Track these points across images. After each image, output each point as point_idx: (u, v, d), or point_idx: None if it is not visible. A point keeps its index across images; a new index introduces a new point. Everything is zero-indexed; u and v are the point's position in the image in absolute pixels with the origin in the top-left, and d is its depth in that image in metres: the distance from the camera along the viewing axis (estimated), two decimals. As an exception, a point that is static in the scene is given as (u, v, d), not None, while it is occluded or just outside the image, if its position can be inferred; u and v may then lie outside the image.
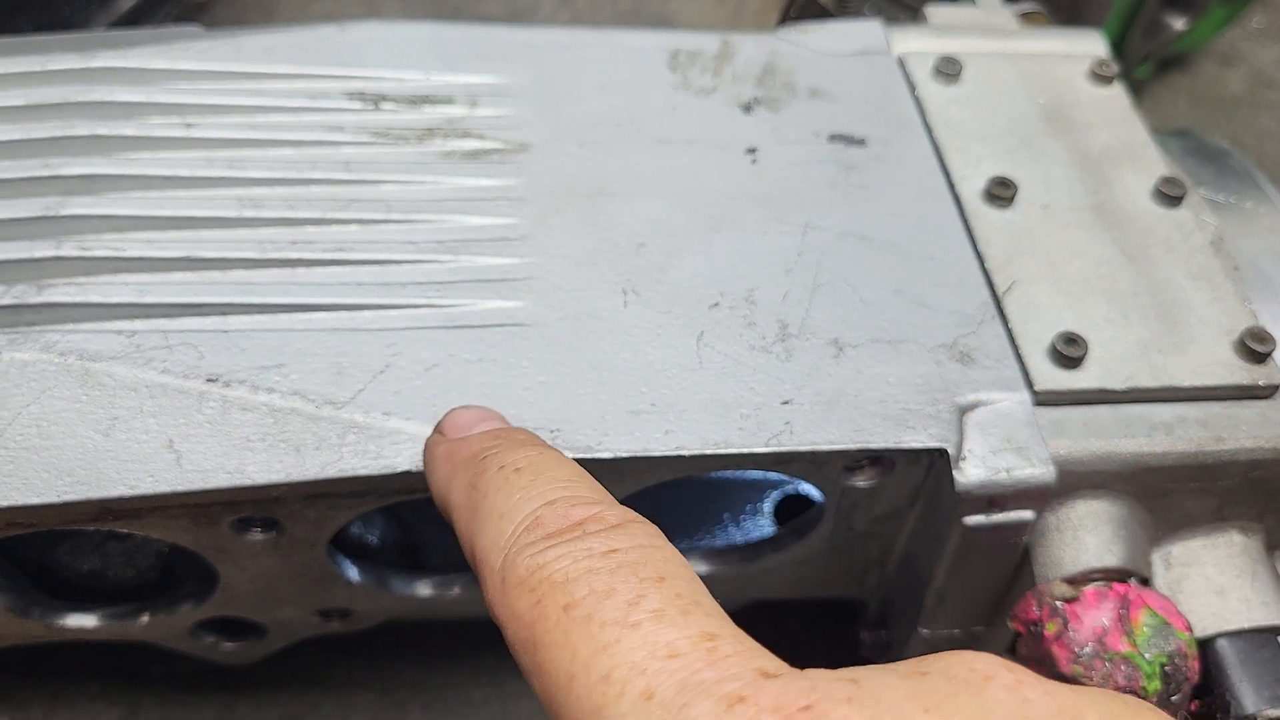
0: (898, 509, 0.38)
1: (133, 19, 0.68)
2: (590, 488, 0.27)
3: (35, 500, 0.32)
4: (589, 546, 0.24)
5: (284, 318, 0.35)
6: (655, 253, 0.38)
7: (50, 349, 0.33)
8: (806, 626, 0.50)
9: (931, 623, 0.39)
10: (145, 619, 0.38)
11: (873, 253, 0.39)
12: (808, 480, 0.36)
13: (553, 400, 0.34)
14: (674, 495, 0.46)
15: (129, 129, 0.39)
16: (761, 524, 0.46)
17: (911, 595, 0.39)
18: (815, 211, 0.40)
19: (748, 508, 0.46)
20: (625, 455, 0.33)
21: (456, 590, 0.39)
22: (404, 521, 0.43)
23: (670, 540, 0.44)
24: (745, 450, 0.34)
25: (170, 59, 0.41)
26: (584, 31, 0.45)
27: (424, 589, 0.39)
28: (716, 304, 0.37)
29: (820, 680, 0.21)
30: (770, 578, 0.41)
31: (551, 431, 0.33)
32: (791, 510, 0.46)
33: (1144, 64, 0.73)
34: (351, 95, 0.41)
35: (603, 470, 0.34)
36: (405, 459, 0.33)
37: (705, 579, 0.40)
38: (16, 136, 0.38)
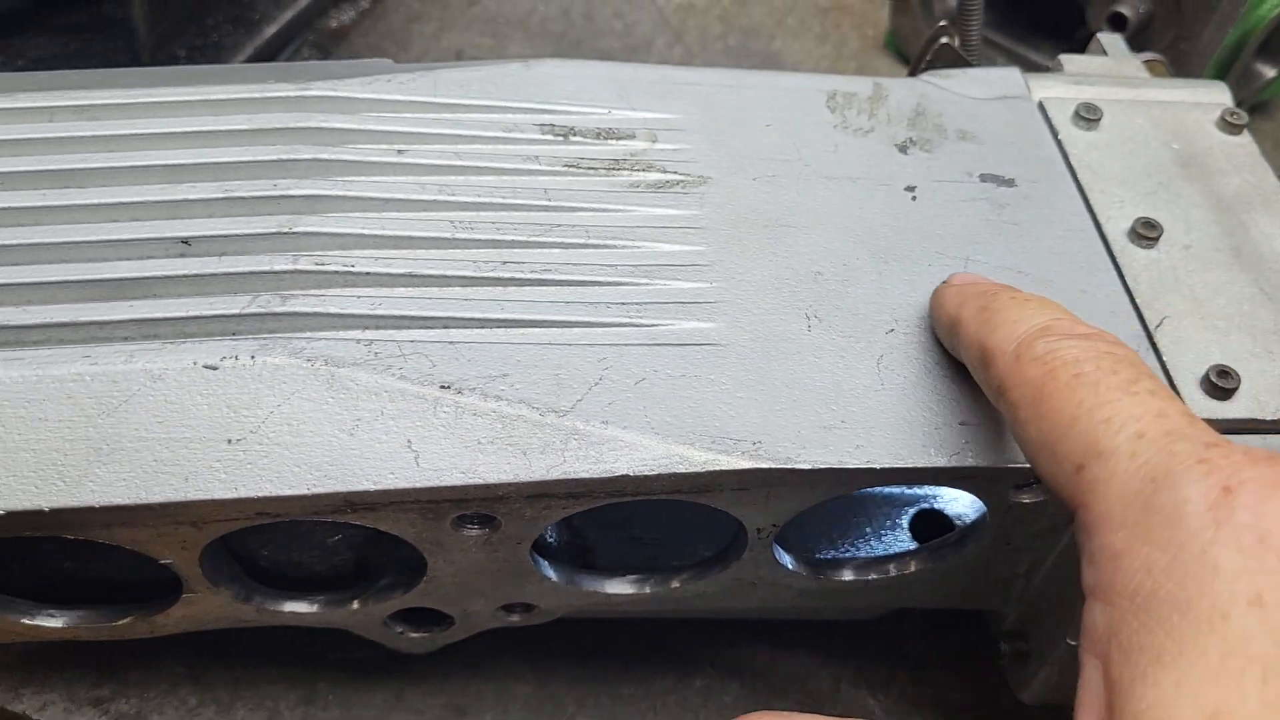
0: (1055, 525, 0.40)
1: (275, 44, 0.73)
2: (1087, 323, 0.34)
3: (287, 491, 0.35)
4: (1095, 346, 0.31)
5: (500, 332, 0.38)
6: (832, 281, 0.41)
7: (298, 354, 0.37)
8: (936, 646, 0.52)
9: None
10: (354, 605, 0.41)
11: (1030, 286, 0.42)
12: (979, 495, 0.39)
13: (752, 415, 0.37)
14: (820, 509, 0.49)
15: (346, 154, 0.42)
16: (900, 538, 0.49)
17: (1060, 608, 0.42)
18: (973, 246, 0.43)
19: (887, 523, 0.49)
20: (822, 467, 0.36)
21: (646, 589, 0.42)
22: (572, 524, 0.46)
23: (818, 551, 0.47)
24: (930, 465, 0.37)
25: (375, 90, 0.45)
26: (746, 74, 0.49)
27: (613, 587, 0.42)
28: (892, 330, 0.40)
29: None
30: (918, 587, 0.44)
31: (754, 443, 0.36)
32: (926, 525, 0.49)
33: (1235, 110, 0.76)
34: (543, 127, 0.45)
35: (799, 480, 0.37)
36: (624, 464, 0.36)
37: (858, 586, 0.43)
38: (246, 158, 0.42)
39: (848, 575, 0.42)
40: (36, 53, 0.68)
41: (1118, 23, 0.71)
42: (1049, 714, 0.47)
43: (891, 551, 0.47)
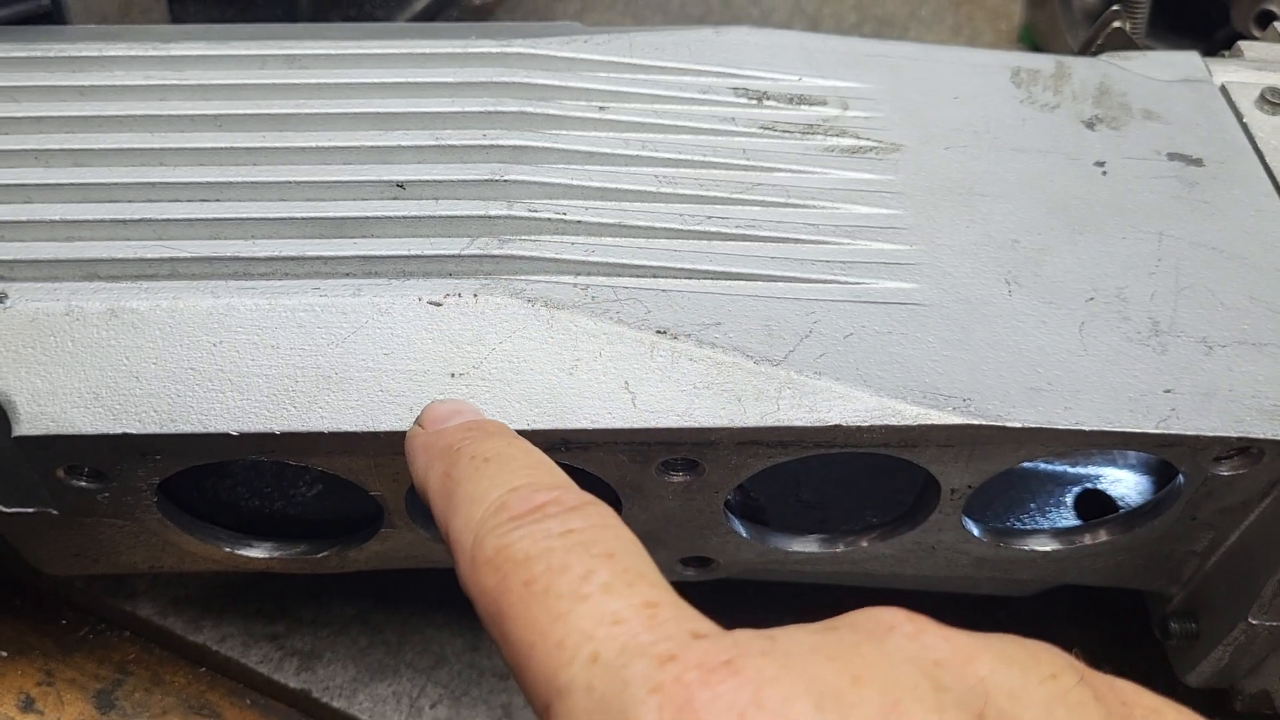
0: (1245, 501, 0.40)
1: (423, 20, 0.74)
2: (551, 474, 0.30)
3: (509, 427, 0.36)
4: (548, 528, 0.27)
5: (709, 283, 0.39)
6: (1028, 249, 0.42)
7: (518, 295, 0.38)
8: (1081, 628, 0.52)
9: (1264, 613, 0.41)
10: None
11: (1225, 263, 0.42)
12: (1178, 465, 0.39)
13: (959, 373, 0.38)
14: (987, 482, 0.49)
15: (550, 109, 0.43)
16: (1065, 515, 0.49)
17: (1241, 586, 0.42)
18: (1166, 222, 0.43)
19: (1051, 500, 0.49)
20: (1032, 426, 0.36)
21: (833, 549, 0.42)
22: (744, 485, 0.47)
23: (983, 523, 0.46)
24: (1136, 430, 0.37)
25: (574, 50, 0.46)
26: (931, 47, 0.49)
27: (800, 545, 0.42)
28: (1091, 298, 0.40)
29: (742, 638, 0.24)
30: (1092, 561, 0.44)
31: (964, 400, 0.37)
32: (1088, 506, 0.49)
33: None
34: (737, 91, 0.45)
35: (1007, 438, 0.37)
36: (837, 414, 0.36)
37: (1036, 556, 0.43)
38: (454, 109, 0.43)
39: (1030, 545, 0.43)
40: (195, 19, 0.70)
41: (1265, 20, 0.71)
42: (1201, 698, 0.47)
43: (1056, 526, 0.47)
